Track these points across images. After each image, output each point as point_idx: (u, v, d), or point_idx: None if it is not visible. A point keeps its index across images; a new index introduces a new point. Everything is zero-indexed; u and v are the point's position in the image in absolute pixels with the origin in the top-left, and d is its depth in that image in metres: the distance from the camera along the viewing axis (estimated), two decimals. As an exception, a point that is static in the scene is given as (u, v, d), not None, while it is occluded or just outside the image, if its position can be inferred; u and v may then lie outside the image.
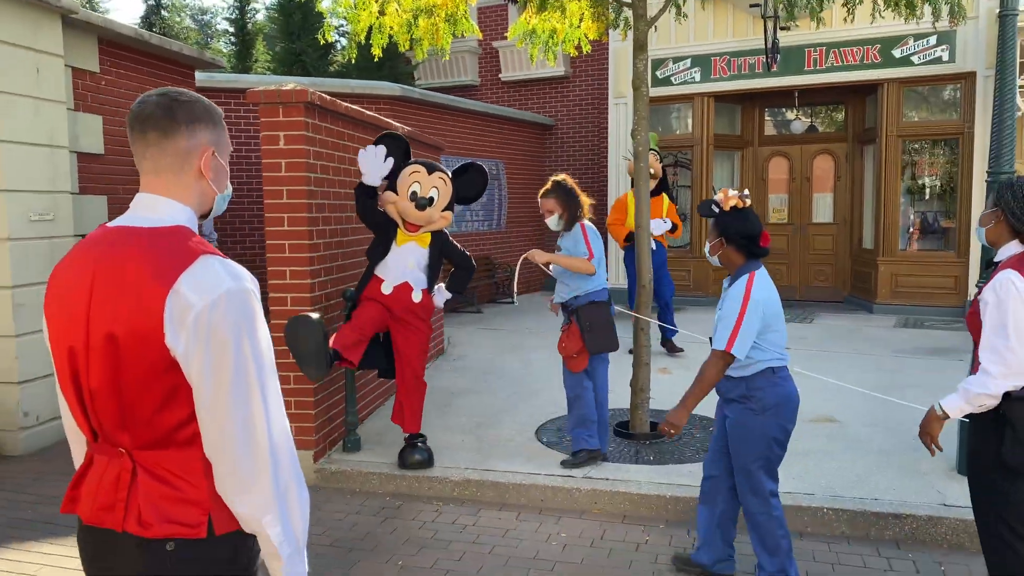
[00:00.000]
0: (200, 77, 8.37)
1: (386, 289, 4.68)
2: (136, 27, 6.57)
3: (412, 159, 4.86)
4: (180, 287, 1.52)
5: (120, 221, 1.66)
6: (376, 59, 6.73)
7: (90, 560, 1.68)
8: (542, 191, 4.74)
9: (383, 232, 4.79)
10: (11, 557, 3.85)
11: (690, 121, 11.80)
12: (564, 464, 4.72)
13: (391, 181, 4.71)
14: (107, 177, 6.46)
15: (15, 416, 5.33)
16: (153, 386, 1.55)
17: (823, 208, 12.06)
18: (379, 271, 4.73)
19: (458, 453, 5.05)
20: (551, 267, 4.75)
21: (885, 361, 7.54)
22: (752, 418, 3.27)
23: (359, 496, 4.69)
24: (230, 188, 1.77)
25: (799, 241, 12.10)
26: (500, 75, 14.24)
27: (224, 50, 17.03)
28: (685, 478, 4.54)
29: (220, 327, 1.52)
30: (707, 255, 3.47)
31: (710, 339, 3.31)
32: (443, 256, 4.89)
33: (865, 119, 11.45)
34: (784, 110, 12.26)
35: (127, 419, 1.57)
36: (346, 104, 5.34)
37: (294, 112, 4.71)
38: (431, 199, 4.65)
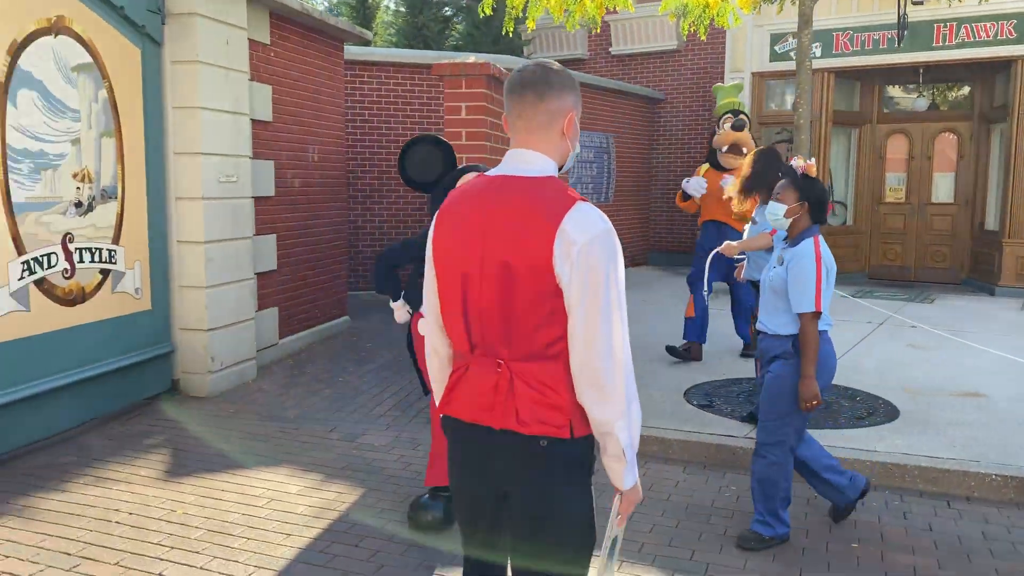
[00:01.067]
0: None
1: (423, 328, 3.78)
2: (300, 1, 6.96)
3: (464, 165, 4.05)
4: (565, 226, 1.80)
5: (499, 171, 1.96)
6: (531, 30, 6.96)
7: (464, 452, 2.01)
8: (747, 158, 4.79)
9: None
10: (237, 481, 4.30)
11: (808, 97, 11.69)
12: None
13: (438, 193, 3.78)
14: (274, 143, 6.91)
15: (204, 361, 5.84)
16: (538, 308, 1.84)
17: (943, 188, 11.83)
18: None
19: (613, 410, 5.31)
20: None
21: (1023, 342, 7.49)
22: (797, 374, 3.49)
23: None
24: (579, 147, 2.05)
25: (916, 221, 11.92)
26: (610, 49, 14.31)
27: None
28: (841, 440, 4.71)
29: (596, 260, 1.80)
30: (772, 215, 3.62)
31: (753, 316, 3.60)
32: None
33: (994, 97, 11.16)
34: (907, 87, 12.03)
35: (510, 335, 1.88)
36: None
37: (476, 84, 5.01)
38: None
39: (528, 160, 1.93)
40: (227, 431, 5.14)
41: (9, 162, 4.47)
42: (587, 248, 1.80)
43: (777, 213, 3.60)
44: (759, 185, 4.80)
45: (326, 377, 6.43)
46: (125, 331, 5.37)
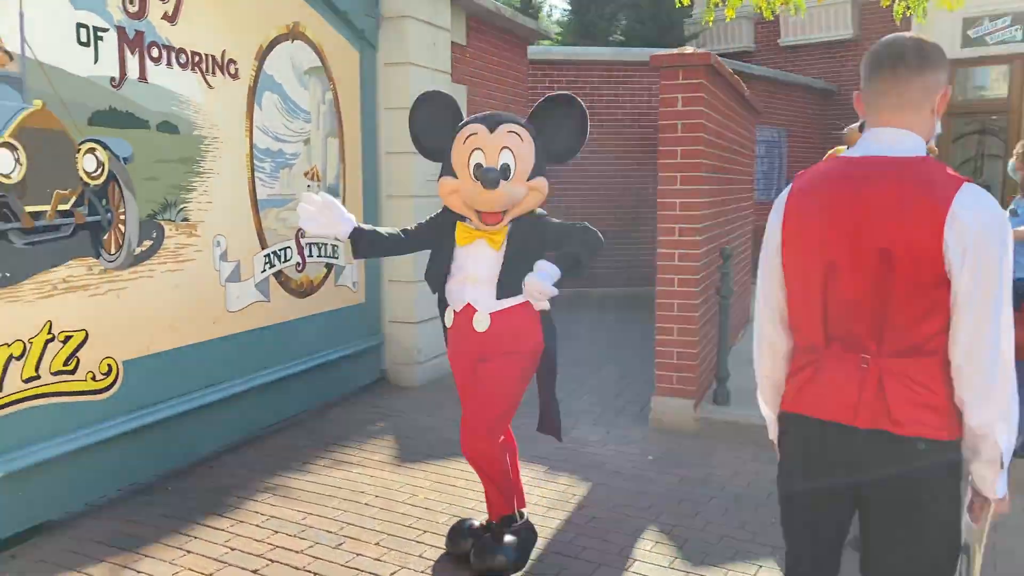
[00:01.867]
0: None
1: (447, 319, 3.33)
2: (496, 2, 7.07)
3: (466, 119, 3.28)
4: (955, 209, 1.68)
5: (864, 152, 1.84)
6: (728, 19, 6.80)
7: (818, 453, 1.89)
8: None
9: (434, 241, 3.34)
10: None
11: (1004, 85, 10.86)
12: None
13: (443, 160, 3.24)
14: (467, 142, 7.05)
15: (412, 352, 6.03)
16: (918, 299, 1.72)
17: None
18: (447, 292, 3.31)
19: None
20: None
21: None
22: None
23: (735, 445, 4.83)
24: (940, 127, 1.92)
25: None
26: (779, 40, 13.81)
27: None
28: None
29: (990, 245, 1.67)
30: None
31: None
32: (544, 246, 3.21)
33: None
34: (1124, 69, 10.93)
35: (883, 329, 1.76)
36: (729, 69, 5.46)
37: (693, 75, 4.90)
38: (505, 168, 3.06)
39: (898, 139, 1.81)
40: (441, 420, 5.27)
41: (255, 161, 4.76)
42: (982, 234, 1.66)
43: None
44: None
45: (521, 372, 6.50)
46: (344, 323, 5.62)
